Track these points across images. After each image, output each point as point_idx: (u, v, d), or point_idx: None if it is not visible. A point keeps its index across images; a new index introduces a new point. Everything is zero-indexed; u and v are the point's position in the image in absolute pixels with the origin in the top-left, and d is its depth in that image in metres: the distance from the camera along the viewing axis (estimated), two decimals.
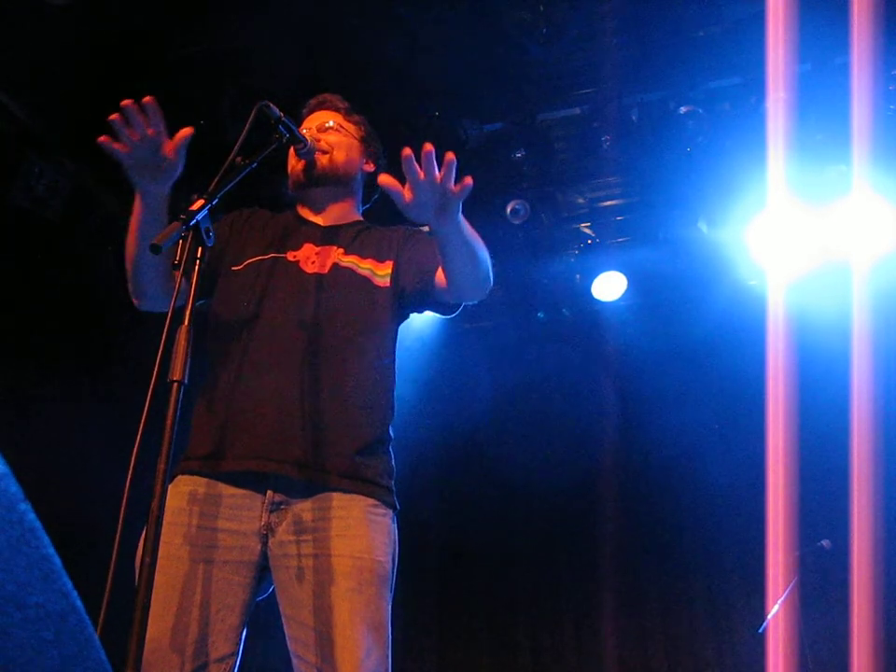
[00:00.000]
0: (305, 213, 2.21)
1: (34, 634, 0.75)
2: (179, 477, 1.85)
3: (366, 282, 2.03)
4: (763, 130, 3.81)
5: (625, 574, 5.24)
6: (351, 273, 2.03)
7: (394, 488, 1.93)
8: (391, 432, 2.00)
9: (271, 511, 1.81)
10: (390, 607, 1.81)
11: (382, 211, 2.33)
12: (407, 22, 3.83)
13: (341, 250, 2.07)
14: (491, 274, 1.97)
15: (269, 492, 1.81)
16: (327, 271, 2.02)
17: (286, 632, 1.79)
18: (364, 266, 2.05)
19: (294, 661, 1.77)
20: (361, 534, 1.79)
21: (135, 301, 2.03)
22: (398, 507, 1.93)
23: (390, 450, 1.98)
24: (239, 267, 2.05)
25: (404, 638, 4.97)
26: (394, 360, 2.07)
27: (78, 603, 0.78)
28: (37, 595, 0.74)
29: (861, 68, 3.46)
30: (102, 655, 0.83)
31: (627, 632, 5.16)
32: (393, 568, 1.85)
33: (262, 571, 1.82)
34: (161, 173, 1.82)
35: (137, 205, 1.89)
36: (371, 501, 1.85)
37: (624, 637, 5.15)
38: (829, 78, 3.94)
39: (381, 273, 2.05)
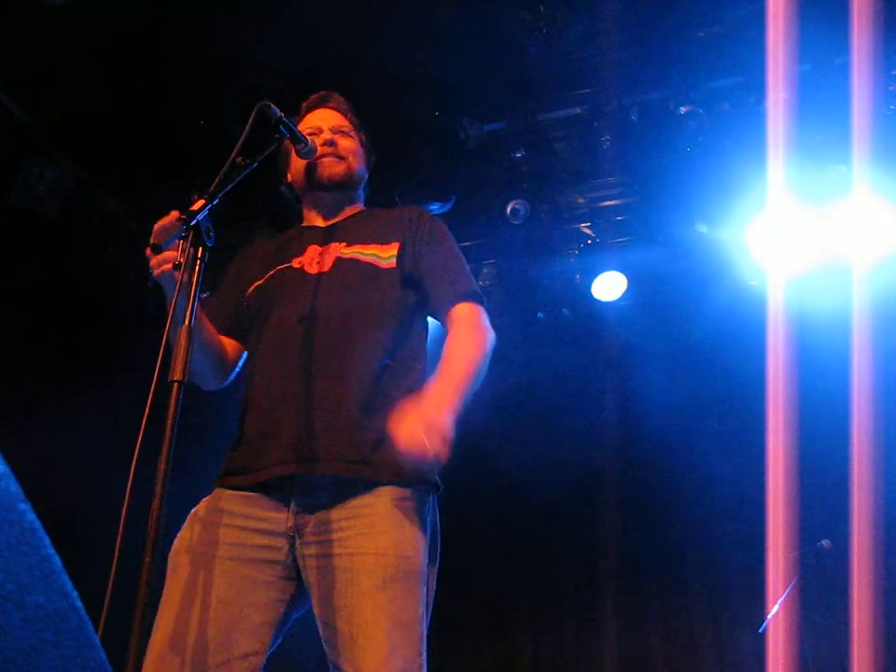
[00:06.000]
0: (311, 216, 2.22)
1: (34, 634, 0.75)
2: (215, 490, 1.89)
3: (370, 267, 2.01)
4: (763, 130, 3.81)
5: (625, 574, 5.24)
6: (354, 262, 2.01)
7: (429, 470, 1.87)
8: None
9: (297, 514, 1.80)
10: (425, 601, 1.77)
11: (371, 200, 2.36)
12: (407, 22, 3.83)
13: (343, 244, 2.06)
14: (489, 355, 1.98)
15: (296, 493, 1.82)
16: (328, 268, 2.01)
17: (320, 633, 1.78)
18: (368, 252, 2.03)
19: (328, 661, 1.76)
20: (386, 530, 1.76)
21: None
22: (439, 486, 1.90)
23: None
24: (250, 291, 2.08)
25: None
26: (420, 338, 2.04)
27: (78, 603, 0.78)
28: (37, 594, 0.74)
29: (861, 68, 3.46)
30: (102, 655, 0.83)
31: (627, 632, 5.16)
32: (426, 561, 1.80)
33: (292, 571, 1.81)
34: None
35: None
36: (399, 493, 1.81)
37: (624, 636, 5.15)
38: (829, 78, 3.94)
39: (385, 256, 2.03)
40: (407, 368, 1.97)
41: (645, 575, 5.27)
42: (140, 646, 1.30)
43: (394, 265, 2.02)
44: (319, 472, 1.80)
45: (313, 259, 2.04)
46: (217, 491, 1.89)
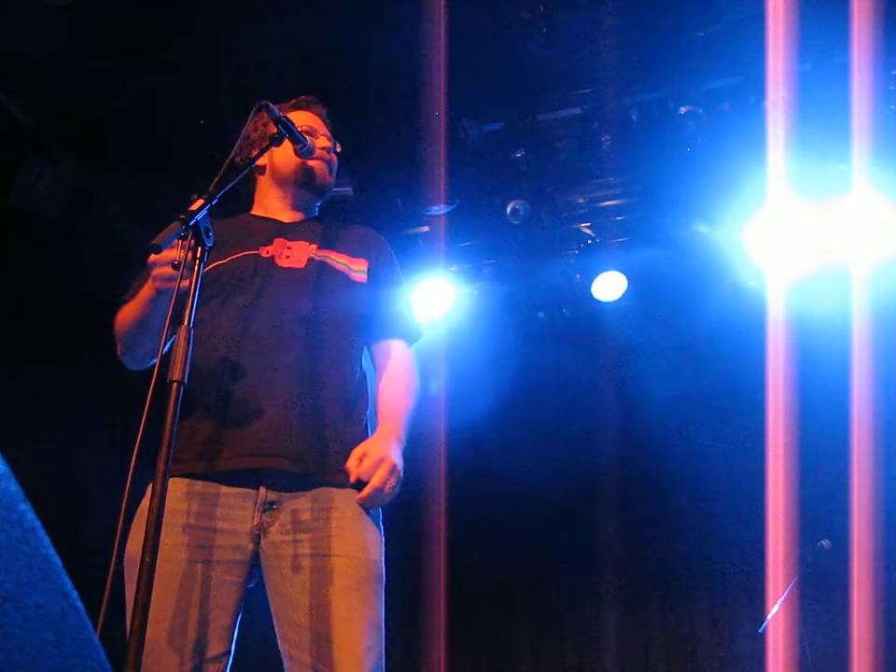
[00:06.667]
0: (274, 207, 2.20)
1: (34, 634, 0.75)
2: (173, 479, 1.80)
3: (344, 277, 2.06)
4: (763, 129, 3.81)
5: (625, 574, 5.25)
6: (328, 267, 2.05)
7: None
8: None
9: (263, 511, 1.80)
10: (384, 607, 1.81)
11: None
12: (406, 22, 3.83)
13: (314, 245, 2.08)
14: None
15: (261, 491, 1.81)
16: (303, 265, 2.03)
17: (277, 633, 1.78)
18: (339, 260, 2.08)
19: (286, 662, 1.76)
20: (355, 533, 1.79)
21: (124, 359, 2.05)
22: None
23: None
24: (206, 269, 2.02)
25: (405, 639, 4.97)
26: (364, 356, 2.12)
27: (78, 603, 0.78)
28: (37, 595, 0.74)
29: (861, 68, 3.46)
30: (102, 655, 0.82)
31: (627, 632, 5.16)
32: (384, 565, 1.84)
33: (252, 570, 1.82)
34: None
35: (151, 297, 1.86)
36: None
37: (624, 637, 5.15)
38: (829, 78, 3.94)
39: (356, 269, 2.09)
40: (367, 381, 2.06)
41: (645, 575, 5.27)
42: (139, 646, 1.30)
43: (365, 279, 2.08)
44: (295, 470, 1.80)
45: (281, 253, 2.05)
46: (174, 480, 1.76)
